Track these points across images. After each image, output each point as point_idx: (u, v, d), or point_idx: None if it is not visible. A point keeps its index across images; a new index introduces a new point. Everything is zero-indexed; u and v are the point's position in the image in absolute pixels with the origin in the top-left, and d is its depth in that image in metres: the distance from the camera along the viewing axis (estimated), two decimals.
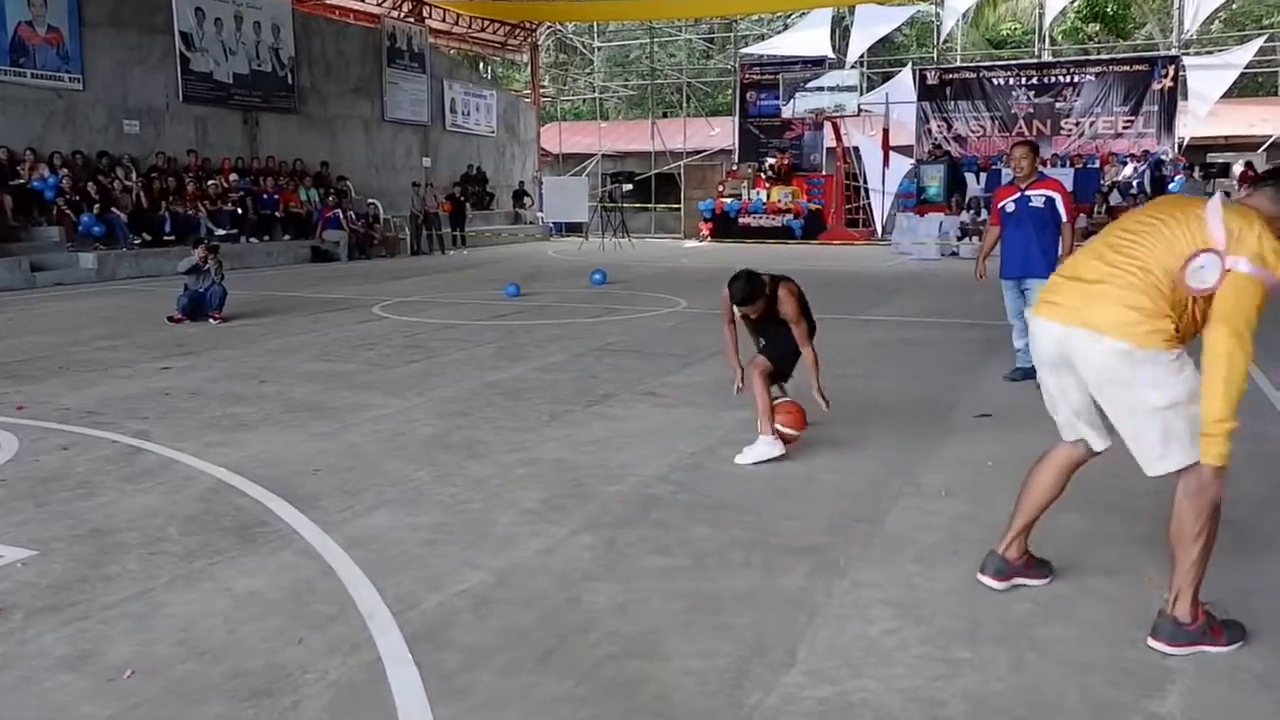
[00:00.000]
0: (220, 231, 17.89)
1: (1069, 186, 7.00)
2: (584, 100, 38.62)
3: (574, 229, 29.07)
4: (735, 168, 27.75)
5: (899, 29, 30.75)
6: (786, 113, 26.54)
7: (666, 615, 3.11)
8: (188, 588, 3.33)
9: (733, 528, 3.92)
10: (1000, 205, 6.58)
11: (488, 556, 3.60)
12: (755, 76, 28.73)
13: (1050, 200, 6.33)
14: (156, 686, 2.68)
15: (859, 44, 27.04)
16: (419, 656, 2.82)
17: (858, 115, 25.40)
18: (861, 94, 25.77)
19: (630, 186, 29.86)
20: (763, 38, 32.67)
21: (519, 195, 29.79)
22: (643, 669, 2.76)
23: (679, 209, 30.52)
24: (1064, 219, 6.35)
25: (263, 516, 4.07)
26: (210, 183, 18.99)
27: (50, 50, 17.35)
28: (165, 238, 17.19)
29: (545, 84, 35.66)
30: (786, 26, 31.63)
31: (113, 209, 16.57)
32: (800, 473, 4.69)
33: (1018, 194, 6.44)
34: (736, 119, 29.13)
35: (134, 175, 17.83)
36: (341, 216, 20.47)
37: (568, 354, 8.14)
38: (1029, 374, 6.69)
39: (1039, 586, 3.28)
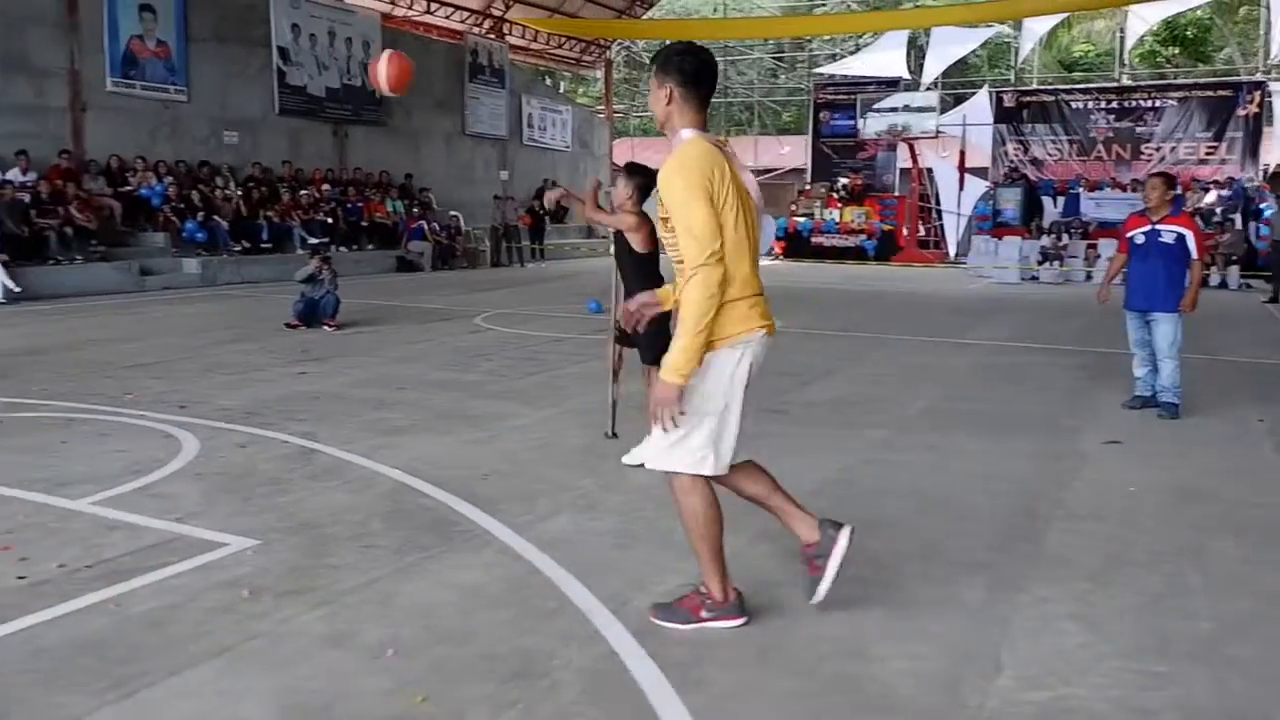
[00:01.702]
0: (313, 240, 18.46)
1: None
2: (654, 116, 39.00)
3: None
4: (808, 187, 27.92)
5: (973, 50, 30.77)
6: (863, 133, 26.66)
7: (866, 620, 3.32)
8: (412, 579, 3.61)
9: (899, 542, 4.13)
10: (1129, 235, 6.69)
11: (679, 561, 3.83)
12: (829, 96, 28.90)
13: (1181, 237, 6.43)
14: (420, 665, 2.95)
15: (934, 65, 27.12)
16: (649, 649, 3.06)
17: (935, 137, 25.46)
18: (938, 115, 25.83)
19: None
20: (834, 57, 32.88)
21: None
22: (860, 668, 2.98)
23: None
24: (1194, 256, 6.46)
25: (451, 517, 4.35)
26: (303, 193, 19.60)
27: (159, 63, 18.08)
28: (262, 245, 17.79)
29: (617, 100, 36.05)
30: (859, 47, 31.79)
31: (215, 216, 17.20)
32: (945, 494, 4.87)
33: (1148, 226, 6.55)
34: (810, 138, 29.34)
35: (232, 184, 18.49)
36: (426, 228, 20.98)
37: None
38: (1148, 402, 6.82)
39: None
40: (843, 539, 3.28)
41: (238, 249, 17.32)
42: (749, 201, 3.14)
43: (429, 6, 25.46)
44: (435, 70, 25.12)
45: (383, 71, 6.02)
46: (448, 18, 26.43)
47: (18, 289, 13.27)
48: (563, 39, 31.26)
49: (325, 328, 10.72)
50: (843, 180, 26.66)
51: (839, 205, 25.99)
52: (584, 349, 9.55)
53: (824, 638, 3.19)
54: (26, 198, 14.81)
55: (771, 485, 3.36)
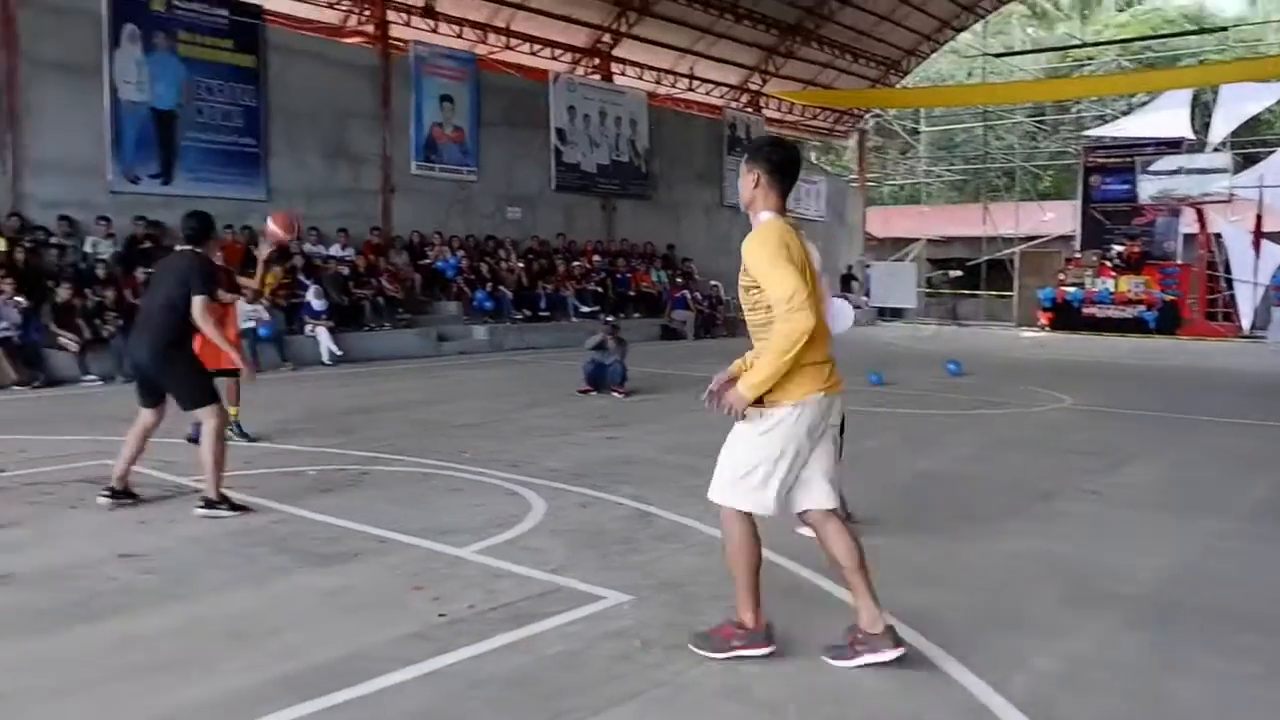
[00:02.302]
0: (584, 309, 19.57)
1: None
2: (903, 185, 38.68)
3: (896, 313, 29.00)
4: (1078, 255, 26.69)
5: (1268, 107, 28.57)
6: (1141, 197, 25.29)
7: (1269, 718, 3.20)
8: (784, 640, 3.80)
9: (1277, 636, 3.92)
10: None
11: (1044, 641, 3.82)
12: (1099, 160, 27.63)
13: None
14: None
15: (1223, 124, 25.41)
16: None
17: (1229, 200, 23.77)
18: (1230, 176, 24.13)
19: (960, 272, 29.45)
20: (1103, 119, 31.43)
21: (846, 279, 30.12)
22: None
23: (1010, 296, 29.70)
24: None
25: (802, 585, 4.52)
26: (575, 264, 20.80)
27: (455, 147, 19.85)
28: (541, 313, 19.00)
29: (869, 168, 35.94)
30: (1131, 107, 30.26)
31: (500, 287, 18.55)
32: None
33: None
34: (1079, 204, 28.11)
35: (514, 256, 19.90)
36: (689, 297, 21.70)
37: (976, 446, 8.25)
38: None
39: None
40: (889, 654, 3.51)
41: (519, 317, 18.58)
42: (817, 279, 3.57)
43: (691, 84, 26.54)
44: (696, 144, 26.16)
45: (278, 229, 7.51)
46: (708, 94, 27.44)
47: (339, 353, 14.82)
48: (816, 110, 31.68)
49: (614, 394, 11.30)
50: (1117, 247, 25.27)
51: (1113, 274, 24.65)
52: (872, 421, 9.56)
53: None
54: (345, 271, 16.57)
55: (859, 561, 3.60)
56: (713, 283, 23.10)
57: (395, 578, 4.51)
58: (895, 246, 33.54)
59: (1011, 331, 25.96)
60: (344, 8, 18.82)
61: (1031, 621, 4.07)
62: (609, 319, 12.17)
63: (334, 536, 5.16)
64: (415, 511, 5.74)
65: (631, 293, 21.63)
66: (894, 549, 5.08)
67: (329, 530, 5.28)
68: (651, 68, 25.25)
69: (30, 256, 13.04)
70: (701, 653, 3.60)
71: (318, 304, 14.98)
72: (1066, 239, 28.82)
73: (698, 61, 26.36)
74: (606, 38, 23.65)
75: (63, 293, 12.43)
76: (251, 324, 14.03)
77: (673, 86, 26.45)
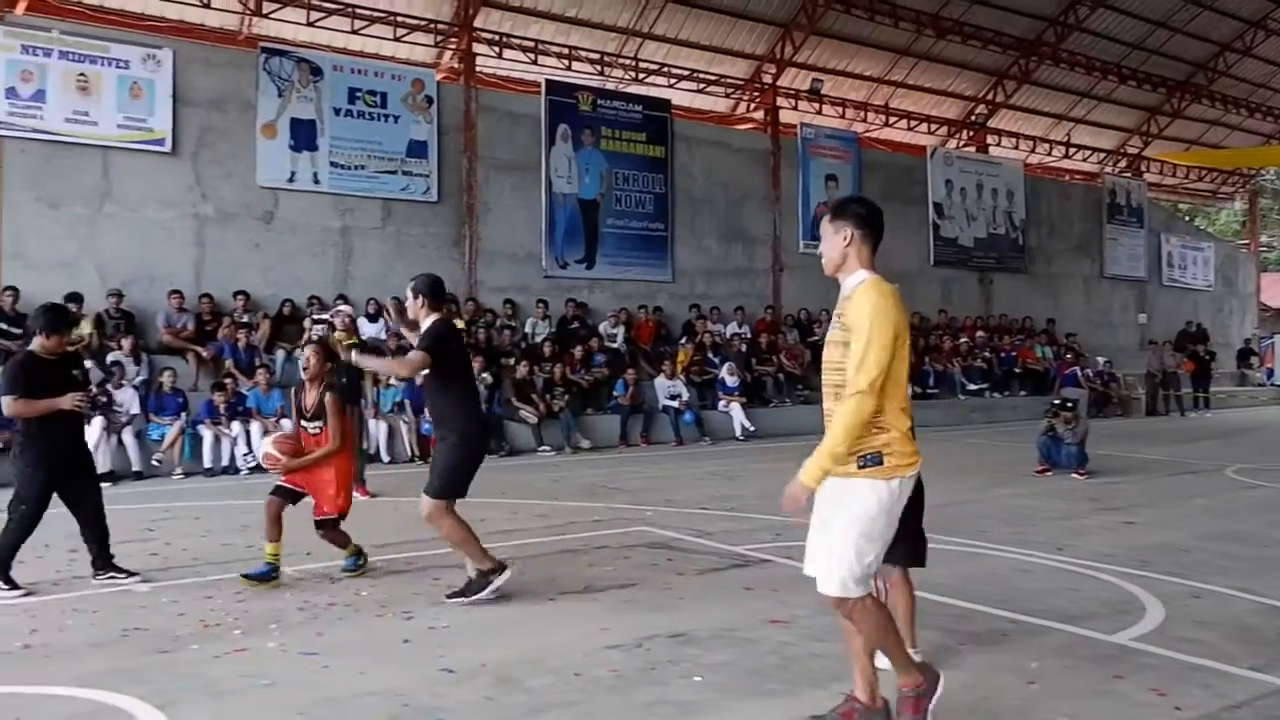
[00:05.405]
0: (972, 386, 18.94)
1: None
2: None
3: None
4: None
5: None
6: None
7: None
8: None
9: None
10: None
11: None
12: None
13: None
14: None
15: None
16: None
17: None
18: None
19: None
20: None
21: (1245, 353, 27.26)
22: None
23: None
24: None
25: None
26: (961, 340, 20.19)
27: None
28: (929, 390, 18.53)
29: (1263, 231, 32.62)
30: None
31: None
32: None
33: None
34: None
35: None
36: (1079, 374, 20.39)
37: None
38: None
39: None
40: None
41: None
42: (908, 344, 3.37)
43: (1067, 151, 25.34)
44: (1073, 214, 24.91)
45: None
46: (1085, 160, 26.09)
47: (751, 428, 15.13)
48: (1202, 172, 29.24)
49: (1075, 476, 10.66)
50: None
51: None
52: None
53: None
54: (744, 348, 17.02)
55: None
56: (1105, 359, 21.58)
57: (1081, 663, 4.29)
58: None
59: None
60: (736, 96, 19.70)
61: None
62: (1058, 402, 11.58)
63: (961, 615, 5.06)
64: (1012, 592, 5.54)
65: (1017, 369, 20.66)
66: None
67: (950, 609, 5.17)
68: (1026, 136, 24.40)
69: (487, 337, 14.41)
70: None
71: (730, 380, 15.42)
72: None
73: (1074, 127, 25.18)
74: (981, 109, 23.16)
75: (520, 369, 13.57)
76: (674, 403, 14.72)
77: (1047, 154, 25.40)
